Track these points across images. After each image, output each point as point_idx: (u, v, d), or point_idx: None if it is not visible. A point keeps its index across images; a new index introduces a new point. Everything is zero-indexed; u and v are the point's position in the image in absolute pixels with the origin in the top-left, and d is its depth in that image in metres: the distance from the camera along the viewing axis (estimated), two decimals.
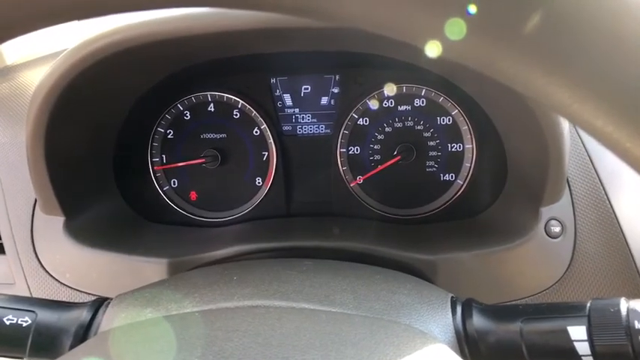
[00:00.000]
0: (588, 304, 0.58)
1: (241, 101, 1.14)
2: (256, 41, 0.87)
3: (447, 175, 1.12)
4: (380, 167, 1.12)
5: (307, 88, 1.15)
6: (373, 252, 0.93)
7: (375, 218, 1.13)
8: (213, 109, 1.16)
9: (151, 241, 1.07)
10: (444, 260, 0.91)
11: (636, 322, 0.54)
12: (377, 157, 1.14)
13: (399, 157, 1.10)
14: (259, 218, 1.15)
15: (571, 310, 0.59)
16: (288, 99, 1.16)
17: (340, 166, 1.14)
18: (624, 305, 0.56)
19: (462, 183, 1.11)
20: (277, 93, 1.16)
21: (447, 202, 1.12)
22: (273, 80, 1.15)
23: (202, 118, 1.16)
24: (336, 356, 0.49)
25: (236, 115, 1.16)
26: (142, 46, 0.78)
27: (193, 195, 1.19)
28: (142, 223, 1.15)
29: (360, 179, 1.14)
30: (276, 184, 1.15)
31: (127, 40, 0.77)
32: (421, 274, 0.90)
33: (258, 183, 1.17)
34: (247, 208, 1.17)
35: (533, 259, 0.89)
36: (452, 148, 1.11)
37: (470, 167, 1.11)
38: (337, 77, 1.14)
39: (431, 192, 1.13)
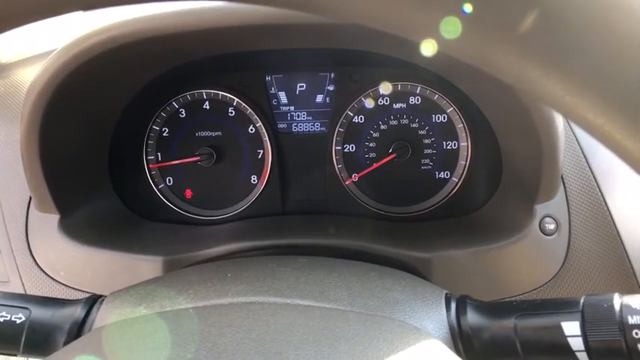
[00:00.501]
0: (582, 300, 0.58)
1: (236, 99, 1.14)
2: (251, 38, 0.87)
3: (442, 172, 1.12)
4: (375, 165, 1.12)
5: (302, 86, 1.15)
6: (368, 250, 0.93)
7: (370, 216, 1.13)
8: (208, 107, 1.16)
9: (146, 239, 1.07)
10: (439, 258, 0.91)
11: (629, 317, 0.54)
12: (372, 154, 1.14)
13: (394, 155, 1.10)
14: (254, 216, 1.15)
15: (565, 306, 0.59)
16: (283, 97, 1.16)
17: (335, 164, 1.14)
18: (617, 301, 0.56)
19: (457, 181, 1.11)
20: (272, 91, 1.15)
21: (443, 199, 1.12)
22: (268, 78, 1.15)
23: (197, 116, 1.16)
24: (330, 352, 0.49)
25: (231, 113, 1.15)
26: (135, 42, 0.78)
27: (188, 193, 1.19)
28: (137, 221, 1.15)
29: (355, 177, 1.14)
30: (272, 182, 1.15)
31: (121, 36, 0.77)
32: (416, 271, 0.90)
33: (254, 181, 1.17)
34: (242, 206, 1.17)
35: (528, 257, 0.89)
36: (447, 145, 1.11)
37: (465, 165, 1.11)
38: (332, 75, 1.14)
39: (426, 190, 1.13)
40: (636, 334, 0.53)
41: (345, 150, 1.14)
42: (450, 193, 1.12)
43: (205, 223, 1.17)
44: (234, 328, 0.53)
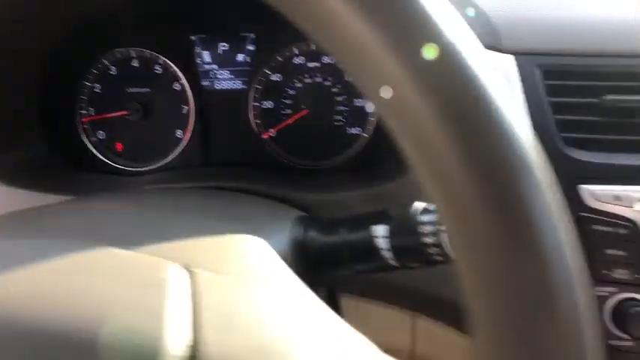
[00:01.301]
0: (396, 208, 0.65)
1: (163, 57, 1.21)
2: None
3: (354, 128, 1.19)
4: (289, 120, 1.19)
5: (225, 46, 1.22)
6: (261, 190, 0.99)
7: (285, 168, 1.20)
8: (137, 65, 1.23)
9: (75, 186, 1.14)
10: (330, 198, 0.98)
11: (423, 217, 0.61)
12: (288, 111, 1.20)
13: (307, 111, 1.17)
14: (179, 168, 1.22)
15: (382, 215, 0.65)
16: (207, 56, 1.22)
17: (252, 119, 1.20)
18: (421, 205, 0.63)
19: (367, 136, 1.18)
20: (197, 50, 1.22)
21: (354, 154, 1.19)
22: (193, 38, 1.22)
23: (127, 73, 1.23)
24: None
25: (158, 70, 1.22)
26: None
27: (119, 146, 1.26)
28: (69, 172, 1.22)
29: (272, 132, 1.21)
30: (195, 137, 1.22)
31: None
32: (306, 211, 0.97)
33: (179, 135, 1.24)
34: (168, 159, 1.24)
35: (408, 197, 0.95)
36: (358, 103, 1.18)
37: (375, 122, 1.17)
38: (253, 35, 1.20)
39: (339, 145, 1.20)
40: (423, 228, 0.59)
41: (263, 106, 1.21)
42: (361, 147, 1.18)
43: (134, 174, 1.24)
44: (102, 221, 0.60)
